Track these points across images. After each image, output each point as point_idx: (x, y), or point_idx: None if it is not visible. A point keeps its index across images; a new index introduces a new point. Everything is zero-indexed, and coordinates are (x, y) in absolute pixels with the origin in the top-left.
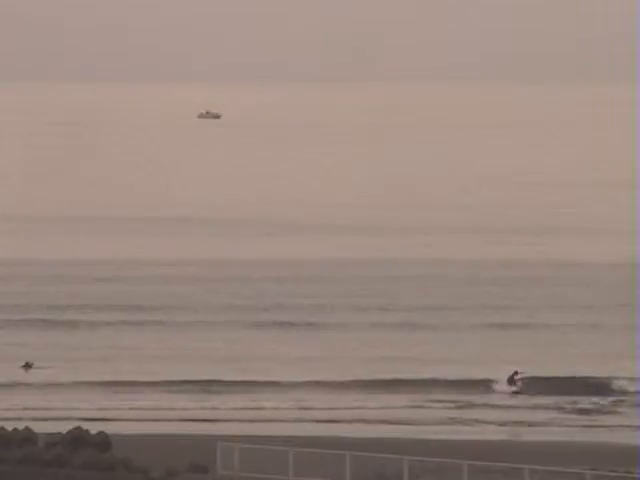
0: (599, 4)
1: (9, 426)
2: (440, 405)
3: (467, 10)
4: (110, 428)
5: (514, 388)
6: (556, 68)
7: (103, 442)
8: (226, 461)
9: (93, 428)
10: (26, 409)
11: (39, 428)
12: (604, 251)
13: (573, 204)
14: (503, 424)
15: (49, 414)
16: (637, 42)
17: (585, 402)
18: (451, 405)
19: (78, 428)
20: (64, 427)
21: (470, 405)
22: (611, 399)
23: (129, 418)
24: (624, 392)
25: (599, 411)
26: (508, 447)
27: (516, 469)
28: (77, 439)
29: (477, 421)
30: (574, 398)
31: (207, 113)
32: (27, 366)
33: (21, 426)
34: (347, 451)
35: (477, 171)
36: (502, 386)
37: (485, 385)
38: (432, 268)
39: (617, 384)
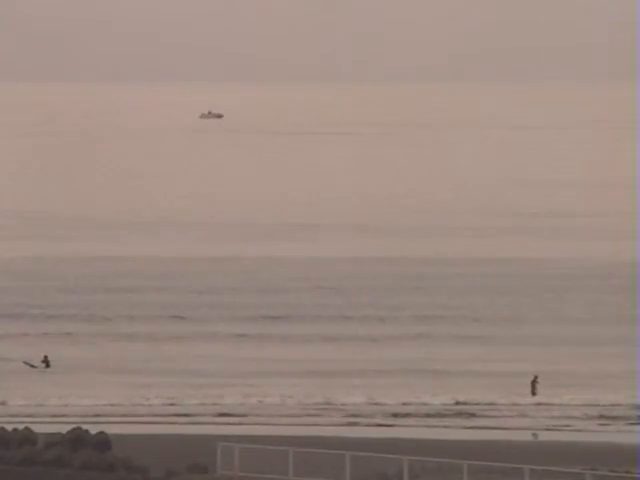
0: (599, 4)
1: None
2: None
3: (467, 11)
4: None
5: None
6: (556, 68)
7: (103, 442)
8: (226, 461)
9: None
10: None
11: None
12: (604, 251)
13: (573, 204)
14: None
15: None
16: (637, 42)
17: None
18: None
19: (78, 428)
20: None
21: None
22: None
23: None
24: None
25: None
26: (508, 447)
27: (516, 469)
28: (77, 439)
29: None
30: None
31: (209, 113)
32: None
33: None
34: (347, 451)
35: (477, 171)
36: None
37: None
38: (433, 268)
39: None
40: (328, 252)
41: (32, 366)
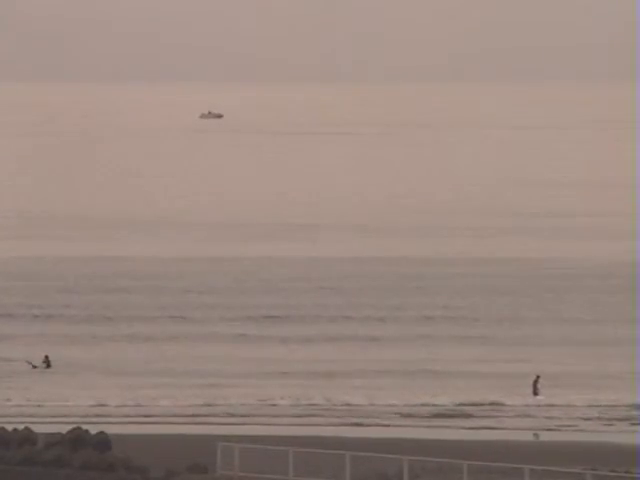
0: (599, 4)
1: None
2: None
3: (467, 10)
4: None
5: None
6: (556, 68)
7: (103, 442)
8: (226, 461)
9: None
10: None
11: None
12: (604, 251)
13: (573, 204)
14: None
15: None
16: (637, 42)
17: None
18: None
19: (78, 428)
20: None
21: None
22: None
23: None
24: None
25: None
26: (508, 447)
27: (516, 469)
28: (77, 439)
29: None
30: None
31: (209, 113)
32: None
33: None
34: (347, 451)
35: (477, 171)
36: None
37: None
38: (433, 268)
39: None
40: (328, 252)
41: (34, 366)
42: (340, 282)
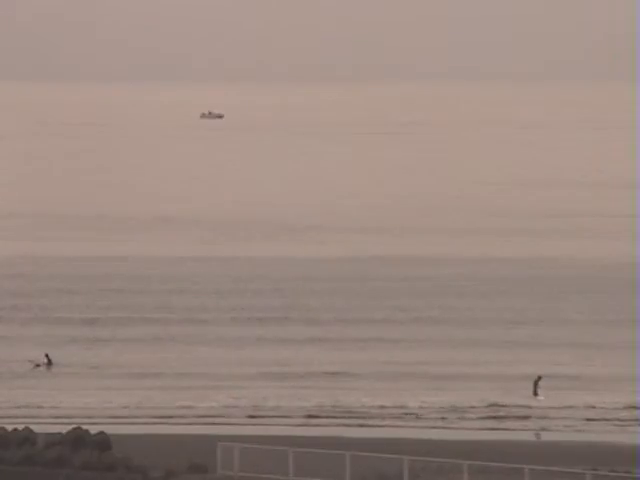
0: (599, 4)
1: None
2: None
3: (467, 9)
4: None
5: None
6: (556, 68)
7: (103, 442)
8: (226, 461)
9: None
10: None
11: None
12: (604, 251)
13: (573, 204)
14: None
15: None
16: (637, 42)
17: None
18: None
19: (78, 428)
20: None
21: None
22: None
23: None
24: None
25: None
26: (508, 447)
27: (516, 469)
28: (77, 439)
29: None
30: None
31: (209, 113)
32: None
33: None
34: (347, 451)
35: (477, 171)
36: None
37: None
38: (433, 268)
39: None
40: (328, 252)
41: (37, 365)
42: (340, 282)
